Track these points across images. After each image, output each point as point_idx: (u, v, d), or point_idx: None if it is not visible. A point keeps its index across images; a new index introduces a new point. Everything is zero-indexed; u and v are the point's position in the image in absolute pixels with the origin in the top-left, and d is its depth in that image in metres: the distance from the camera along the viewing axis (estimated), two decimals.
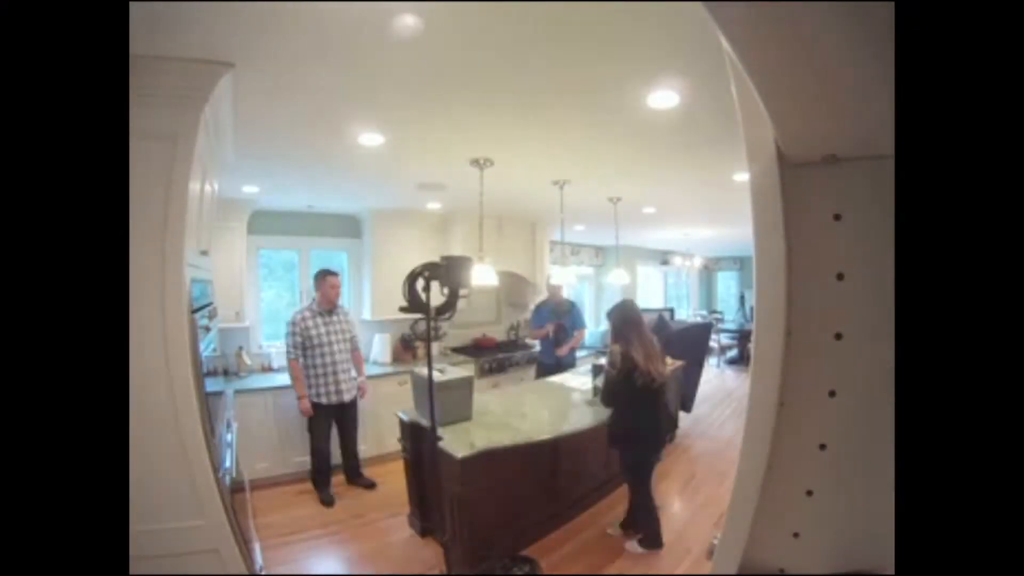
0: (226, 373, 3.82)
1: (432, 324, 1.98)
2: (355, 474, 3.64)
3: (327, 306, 3.43)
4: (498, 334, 5.65)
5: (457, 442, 2.42)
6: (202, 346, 1.74)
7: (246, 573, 1.60)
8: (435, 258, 1.95)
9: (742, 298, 10.10)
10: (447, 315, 1.98)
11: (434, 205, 4.22)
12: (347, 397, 3.43)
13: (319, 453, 3.39)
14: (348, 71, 1.58)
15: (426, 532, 2.87)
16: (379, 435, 4.00)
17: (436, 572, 2.51)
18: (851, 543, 0.86)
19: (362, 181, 3.25)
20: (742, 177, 3.02)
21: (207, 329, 1.94)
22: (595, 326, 7.48)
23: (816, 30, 0.50)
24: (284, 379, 3.80)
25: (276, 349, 4.25)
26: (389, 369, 4.28)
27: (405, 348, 4.69)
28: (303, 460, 3.60)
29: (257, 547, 2.44)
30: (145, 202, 1.36)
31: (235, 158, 2.41)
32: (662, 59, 1.53)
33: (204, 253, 2.06)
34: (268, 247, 4.28)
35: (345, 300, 4.71)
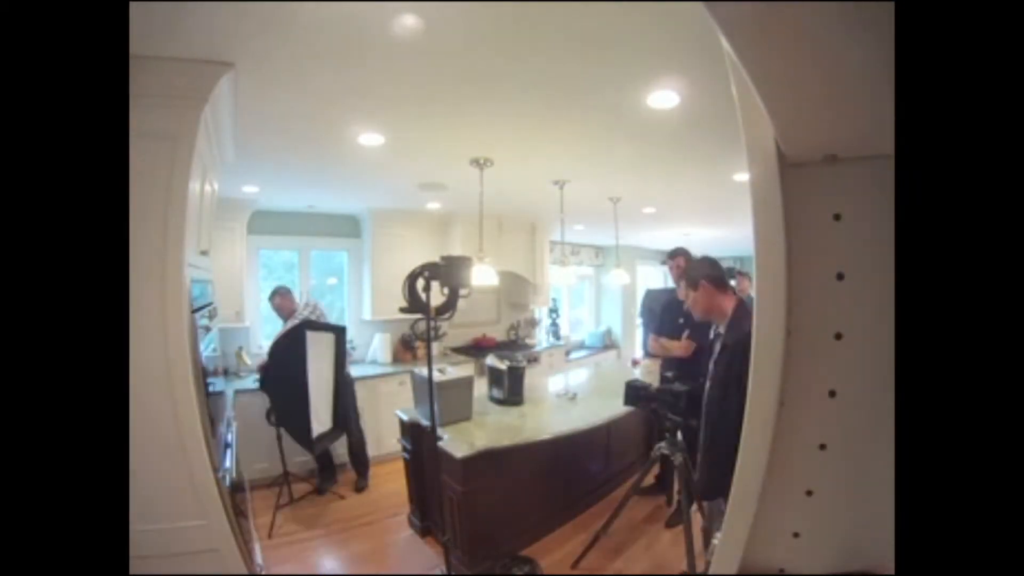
0: (226, 373, 3.82)
1: (432, 324, 1.98)
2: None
3: None
4: (498, 334, 5.65)
5: (457, 442, 2.42)
6: (202, 346, 1.74)
7: (246, 573, 1.60)
8: (435, 258, 1.95)
9: None
10: (447, 315, 1.98)
11: (434, 205, 4.22)
12: None
13: None
14: (348, 71, 1.58)
15: (426, 532, 2.87)
16: (379, 435, 4.00)
17: (436, 572, 2.51)
18: (851, 543, 0.86)
19: (362, 181, 3.25)
20: (742, 177, 3.02)
21: (207, 329, 1.94)
22: (595, 325, 7.48)
23: (816, 30, 0.50)
24: None
25: None
26: (389, 369, 4.28)
27: (405, 348, 4.69)
28: (303, 460, 3.60)
29: (257, 547, 2.45)
30: (145, 202, 1.36)
31: (235, 158, 2.41)
32: (662, 59, 1.53)
33: (204, 253, 2.06)
34: (268, 247, 4.28)
35: (344, 300, 4.72)
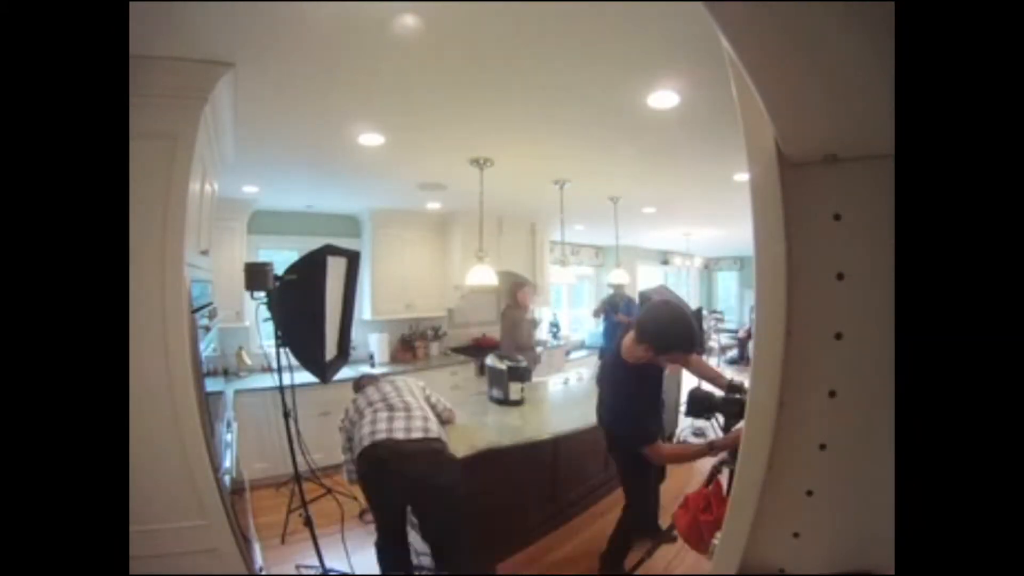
0: (226, 373, 3.81)
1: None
2: None
3: None
4: (498, 334, 5.64)
5: (457, 442, 2.42)
6: (202, 346, 1.74)
7: (246, 573, 1.60)
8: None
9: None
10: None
11: (434, 205, 4.22)
12: None
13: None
14: (348, 71, 1.58)
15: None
16: None
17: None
18: (851, 543, 0.86)
19: (362, 181, 3.25)
20: (742, 177, 3.02)
21: (207, 329, 1.94)
22: (594, 325, 7.48)
23: (816, 30, 0.50)
24: (284, 379, 3.80)
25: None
26: (388, 369, 4.28)
27: (405, 348, 4.69)
28: (302, 459, 3.60)
29: (257, 547, 2.45)
30: (145, 202, 1.36)
31: (235, 158, 2.41)
32: (662, 59, 1.53)
33: (204, 253, 2.06)
34: (268, 247, 4.28)
35: None
